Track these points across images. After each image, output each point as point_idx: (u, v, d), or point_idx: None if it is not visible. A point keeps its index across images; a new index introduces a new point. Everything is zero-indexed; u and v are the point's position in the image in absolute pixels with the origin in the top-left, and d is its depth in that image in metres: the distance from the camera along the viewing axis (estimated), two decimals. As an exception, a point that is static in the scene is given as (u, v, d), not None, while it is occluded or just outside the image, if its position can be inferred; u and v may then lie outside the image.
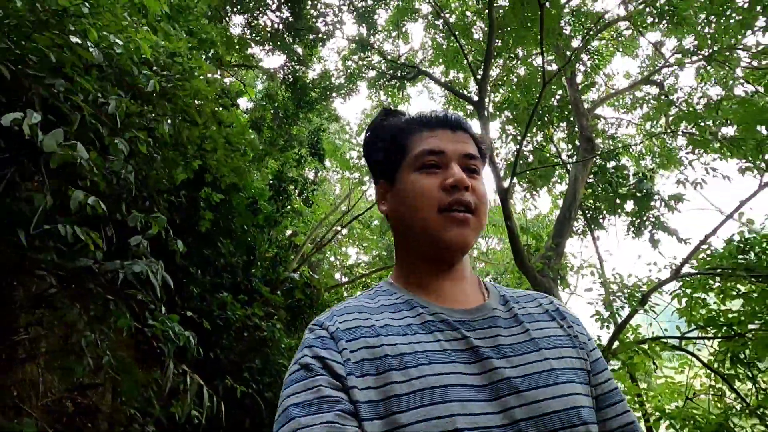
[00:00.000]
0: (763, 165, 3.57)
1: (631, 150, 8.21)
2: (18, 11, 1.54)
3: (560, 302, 0.84)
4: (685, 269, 4.01)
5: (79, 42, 1.54)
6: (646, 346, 3.89)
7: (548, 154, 7.84)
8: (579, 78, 7.09)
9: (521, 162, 7.01)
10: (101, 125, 1.76)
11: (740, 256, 3.64)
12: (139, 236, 2.23)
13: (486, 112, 5.09)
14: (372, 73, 7.87)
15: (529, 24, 4.73)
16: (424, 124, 0.80)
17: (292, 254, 8.31)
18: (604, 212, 7.02)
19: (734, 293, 4.21)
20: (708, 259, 3.72)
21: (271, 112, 9.34)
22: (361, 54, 7.44)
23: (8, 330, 2.88)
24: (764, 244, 3.54)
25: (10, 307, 2.81)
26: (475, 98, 5.12)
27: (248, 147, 3.96)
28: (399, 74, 7.55)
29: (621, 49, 8.69)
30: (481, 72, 5.18)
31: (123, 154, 1.80)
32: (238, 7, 7.33)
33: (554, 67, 7.01)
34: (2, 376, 2.91)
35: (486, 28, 6.34)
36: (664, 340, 4.12)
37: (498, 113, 8.12)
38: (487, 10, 5.59)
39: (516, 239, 4.63)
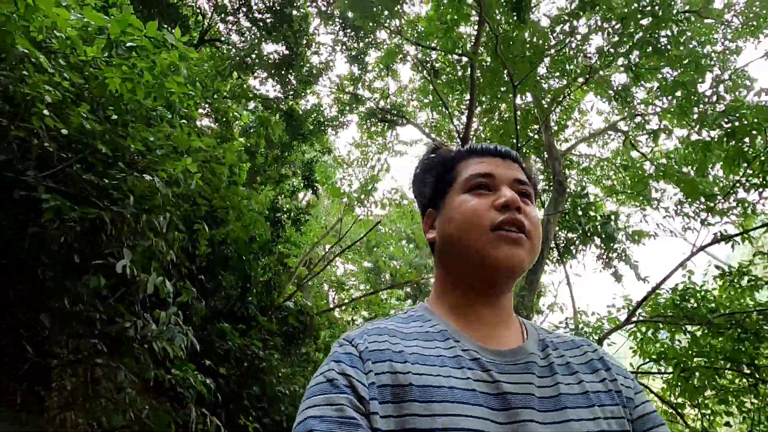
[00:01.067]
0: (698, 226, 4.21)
1: (602, 183, 8.89)
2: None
3: (605, 352, 0.80)
4: (639, 311, 4.59)
5: (158, 185, 2.01)
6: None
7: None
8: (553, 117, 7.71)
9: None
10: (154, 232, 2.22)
11: (682, 304, 4.24)
12: (175, 307, 2.67)
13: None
14: (362, 107, 8.39)
15: (504, 90, 5.28)
16: (474, 153, 0.80)
17: (286, 278, 8.73)
18: (577, 243, 7.63)
19: (682, 332, 4.84)
20: (657, 305, 4.31)
21: (264, 139, 9.77)
22: (353, 99, 7.95)
23: (45, 380, 3.28)
24: (699, 295, 4.15)
25: (49, 361, 3.21)
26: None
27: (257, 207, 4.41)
28: (388, 117, 8.08)
29: (593, 86, 9.41)
30: (464, 123, 5.73)
31: (170, 256, 2.26)
32: (242, 69, 7.81)
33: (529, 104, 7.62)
34: (40, 420, 3.30)
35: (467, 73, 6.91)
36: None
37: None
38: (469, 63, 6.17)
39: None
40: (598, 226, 6.21)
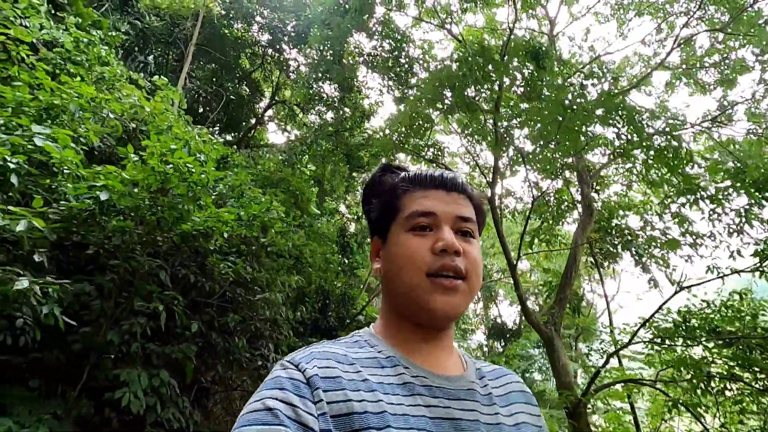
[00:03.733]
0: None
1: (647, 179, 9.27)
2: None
3: (524, 384, 0.86)
4: (648, 326, 5.45)
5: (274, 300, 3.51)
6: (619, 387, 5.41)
7: (565, 197, 9.17)
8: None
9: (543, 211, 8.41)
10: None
11: (685, 324, 5.05)
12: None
13: (498, 204, 6.67)
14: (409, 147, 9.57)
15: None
16: (418, 184, 0.80)
17: (357, 290, 10.30)
18: (613, 251, 8.28)
19: (696, 345, 5.59)
20: (659, 327, 5.16)
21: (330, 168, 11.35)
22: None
23: (205, 399, 5.10)
24: (698, 317, 4.93)
25: (207, 389, 5.02)
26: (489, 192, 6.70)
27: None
28: (427, 157, 9.24)
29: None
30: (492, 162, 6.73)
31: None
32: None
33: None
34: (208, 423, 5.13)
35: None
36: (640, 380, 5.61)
37: (519, 162, 9.51)
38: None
39: (524, 303, 6.26)
40: (626, 243, 6.91)
